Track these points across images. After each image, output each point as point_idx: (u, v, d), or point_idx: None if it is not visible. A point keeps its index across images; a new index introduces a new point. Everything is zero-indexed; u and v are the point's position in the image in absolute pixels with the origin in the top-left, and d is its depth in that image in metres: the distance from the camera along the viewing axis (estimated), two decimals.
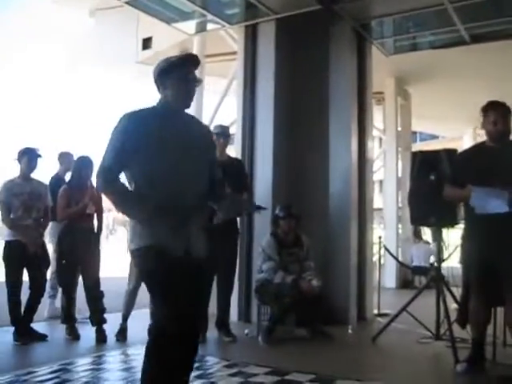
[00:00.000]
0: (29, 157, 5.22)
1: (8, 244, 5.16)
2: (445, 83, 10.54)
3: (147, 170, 2.63)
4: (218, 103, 7.92)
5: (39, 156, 5.28)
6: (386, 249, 7.79)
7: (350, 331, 5.76)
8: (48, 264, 5.31)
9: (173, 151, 2.62)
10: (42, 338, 5.14)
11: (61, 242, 5.31)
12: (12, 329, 5.11)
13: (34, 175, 5.37)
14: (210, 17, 6.75)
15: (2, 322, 5.42)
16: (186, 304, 2.59)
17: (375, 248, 7.71)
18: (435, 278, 5.25)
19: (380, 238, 8.09)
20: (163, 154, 2.61)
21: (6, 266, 5.12)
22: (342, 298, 6.09)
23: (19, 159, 5.23)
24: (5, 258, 5.15)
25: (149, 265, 2.66)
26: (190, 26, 7.21)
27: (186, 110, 2.89)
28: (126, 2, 6.31)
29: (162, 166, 2.62)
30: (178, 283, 2.59)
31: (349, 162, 6.37)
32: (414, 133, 15.62)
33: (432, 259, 10.40)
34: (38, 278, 5.19)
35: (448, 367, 4.34)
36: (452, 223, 5.15)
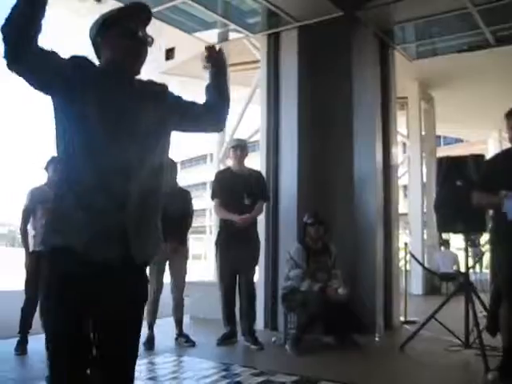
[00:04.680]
0: (55, 165, 5.19)
1: (28, 254, 5.15)
2: (469, 87, 10.43)
3: (76, 123, 2.00)
4: (241, 112, 7.94)
5: None
6: (412, 255, 7.72)
7: (377, 339, 5.72)
8: None
9: (108, 121, 2.01)
10: None
11: None
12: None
13: None
14: (232, 26, 6.79)
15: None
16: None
17: (401, 254, 7.65)
18: (463, 285, 5.20)
19: (406, 244, 8.02)
20: (97, 119, 1.99)
21: (26, 276, 5.14)
22: (368, 305, 6.03)
23: (47, 168, 5.24)
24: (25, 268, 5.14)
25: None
26: (212, 35, 7.25)
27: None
28: None
29: (94, 130, 1.99)
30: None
31: (373, 168, 6.33)
32: (438, 137, 15.48)
33: (456, 266, 10.30)
34: None
35: (478, 376, 4.29)
36: (480, 230, 5.10)
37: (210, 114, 2.40)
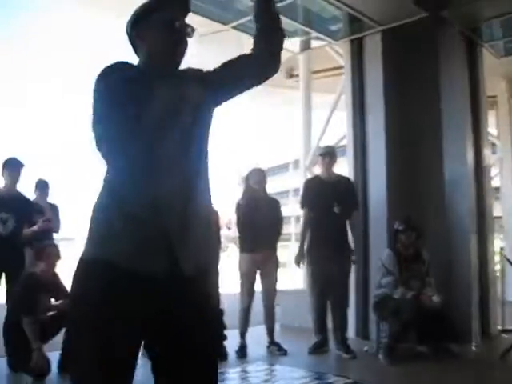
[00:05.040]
0: None
1: None
2: None
3: (114, 152, 1.84)
4: (326, 118, 7.91)
5: None
6: (508, 260, 7.39)
7: (473, 348, 5.51)
8: None
9: (148, 127, 1.80)
10: None
11: None
12: None
13: None
14: (314, 34, 6.80)
15: None
16: None
17: (496, 259, 7.34)
18: None
19: (502, 249, 7.70)
20: (134, 132, 1.79)
21: None
22: (463, 313, 5.82)
23: None
24: None
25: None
26: (294, 43, 7.29)
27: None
28: (233, 27, 6.48)
29: (131, 148, 1.79)
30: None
31: (464, 171, 6.13)
32: None
33: None
34: None
35: None
36: None
37: (256, 60, 2.07)
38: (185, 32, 1.97)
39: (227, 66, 2.05)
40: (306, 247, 5.66)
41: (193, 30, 1.99)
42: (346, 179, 5.88)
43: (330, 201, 5.43)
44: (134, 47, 2.04)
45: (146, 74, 1.92)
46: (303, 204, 5.68)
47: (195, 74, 2.04)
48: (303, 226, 5.68)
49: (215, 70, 2.05)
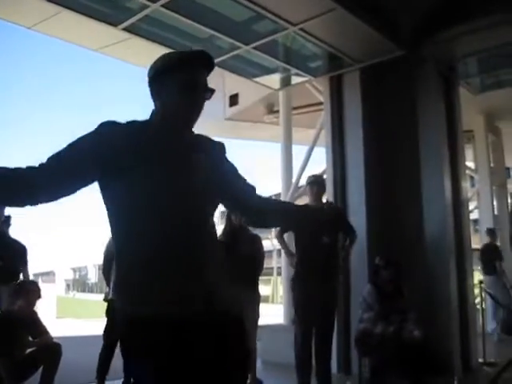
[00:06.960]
0: None
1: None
2: None
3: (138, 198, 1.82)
4: (307, 153, 7.96)
5: None
6: (488, 292, 7.46)
7: (455, 382, 5.50)
8: None
9: (170, 181, 1.83)
10: None
11: None
12: None
13: None
14: (293, 71, 6.90)
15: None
16: None
17: (476, 292, 7.39)
18: None
19: (481, 281, 7.75)
20: (155, 182, 1.81)
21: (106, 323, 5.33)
22: (444, 346, 5.82)
23: None
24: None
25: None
26: (274, 80, 7.38)
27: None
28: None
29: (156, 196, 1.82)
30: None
31: (443, 204, 6.23)
32: (507, 169, 14.98)
33: None
34: None
35: None
36: None
37: (250, 212, 2.26)
38: (205, 95, 1.96)
39: (238, 187, 2.13)
40: (292, 277, 5.45)
41: (212, 92, 1.98)
42: (335, 207, 5.83)
43: (319, 231, 5.17)
44: (151, 93, 1.99)
45: (161, 128, 1.92)
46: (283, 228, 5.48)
47: (214, 145, 2.08)
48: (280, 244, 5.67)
49: (236, 173, 2.12)
